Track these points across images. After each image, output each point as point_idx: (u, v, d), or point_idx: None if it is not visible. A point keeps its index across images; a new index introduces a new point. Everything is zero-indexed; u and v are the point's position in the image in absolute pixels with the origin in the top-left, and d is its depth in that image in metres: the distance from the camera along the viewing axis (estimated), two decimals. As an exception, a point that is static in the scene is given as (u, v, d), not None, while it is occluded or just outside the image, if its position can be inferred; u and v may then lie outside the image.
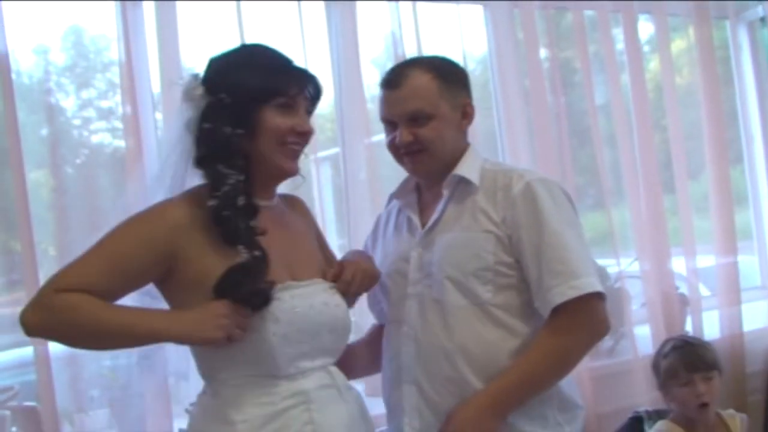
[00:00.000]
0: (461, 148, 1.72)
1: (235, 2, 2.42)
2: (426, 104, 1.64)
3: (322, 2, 2.67)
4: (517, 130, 2.82)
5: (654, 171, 3.02)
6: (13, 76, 2.22)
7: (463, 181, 1.68)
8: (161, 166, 1.51)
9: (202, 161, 1.42)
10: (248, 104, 1.41)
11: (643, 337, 2.93)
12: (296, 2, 2.49)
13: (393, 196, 1.86)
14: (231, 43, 2.25)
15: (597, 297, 1.55)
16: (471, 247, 1.62)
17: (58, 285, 1.35)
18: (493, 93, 2.90)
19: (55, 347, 2.17)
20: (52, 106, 2.35)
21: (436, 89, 1.65)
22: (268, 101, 1.44)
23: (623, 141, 2.99)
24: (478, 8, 2.95)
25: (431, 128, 1.64)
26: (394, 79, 1.67)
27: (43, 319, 1.34)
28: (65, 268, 1.38)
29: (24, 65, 2.36)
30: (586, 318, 1.56)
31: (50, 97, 2.35)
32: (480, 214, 1.62)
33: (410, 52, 2.62)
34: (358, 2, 2.63)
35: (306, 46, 2.48)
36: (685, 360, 2.39)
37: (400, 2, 2.65)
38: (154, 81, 2.40)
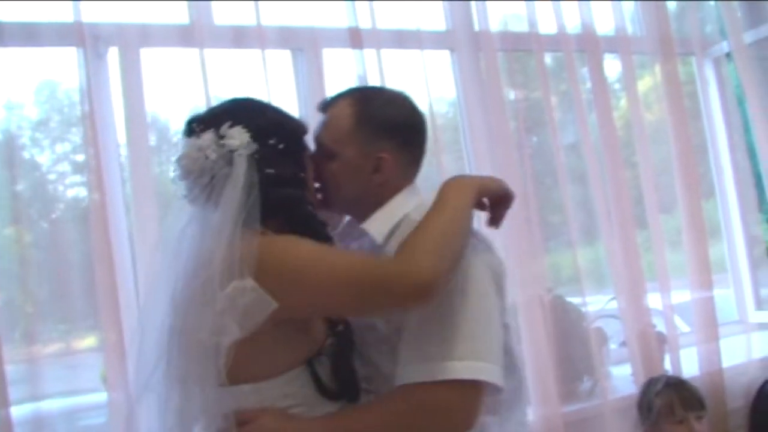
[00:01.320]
0: (380, 197, 1.50)
1: (198, 50, 2.40)
2: (330, 140, 1.48)
3: (287, 50, 2.66)
4: (485, 172, 2.75)
5: (626, 207, 2.99)
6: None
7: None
8: (205, 229, 1.37)
9: (285, 207, 1.39)
10: (299, 146, 1.43)
11: (621, 377, 2.89)
12: (260, 50, 2.46)
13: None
14: (196, 92, 2.39)
15: (461, 385, 1.29)
16: None
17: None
18: (462, 136, 2.88)
19: (18, 411, 2.08)
20: (25, 161, 2.33)
21: (349, 127, 1.47)
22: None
23: (594, 179, 2.97)
24: (445, 53, 2.96)
25: (329, 169, 1.48)
26: (324, 103, 1.55)
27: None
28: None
29: (-5, 121, 2.32)
30: (430, 407, 1.30)
31: (23, 152, 2.33)
32: None
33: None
34: (324, 49, 2.62)
35: (270, 94, 2.45)
36: (681, 397, 2.38)
37: (365, 49, 2.63)
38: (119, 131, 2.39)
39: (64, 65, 2.37)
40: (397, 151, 1.48)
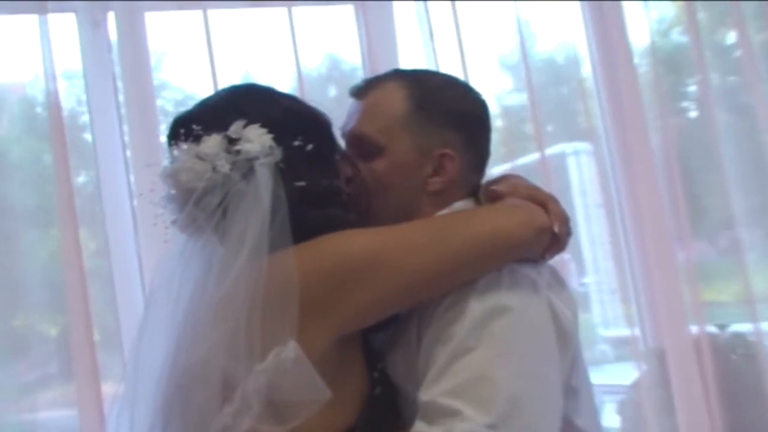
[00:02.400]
0: (430, 212, 1.28)
1: (201, 12, 2.09)
2: (376, 130, 1.27)
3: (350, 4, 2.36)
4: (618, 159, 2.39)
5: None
6: (38, 109, 2.02)
7: None
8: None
9: (322, 232, 1.16)
10: (330, 145, 1.27)
11: None
12: (286, 6, 2.15)
13: None
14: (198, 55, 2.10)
15: None
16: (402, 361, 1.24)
17: None
18: (597, 104, 2.44)
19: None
20: (86, 145, 2.08)
21: (402, 114, 1.27)
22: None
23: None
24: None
25: (371, 171, 1.27)
26: (360, 86, 1.34)
27: None
28: None
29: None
30: None
31: (84, 134, 2.09)
32: (415, 318, 1.20)
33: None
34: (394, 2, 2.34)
35: (298, 53, 2.15)
36: None
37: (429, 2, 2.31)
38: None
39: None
40: (464, 149, 1.29)
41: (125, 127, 2.04)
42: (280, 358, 1.05)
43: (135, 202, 2.04)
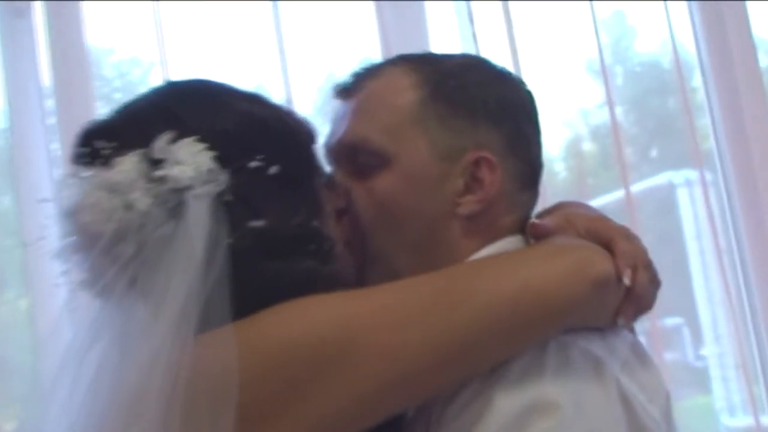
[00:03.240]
0: (463, 253, 0.98)
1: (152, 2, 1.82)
2: (377, 131, 0.98)
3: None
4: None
5: None
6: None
7: None
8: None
9: (289, 294, 0.91)
10: (306, 164, 1.04)
11: None
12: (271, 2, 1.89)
13: None
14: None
15: None
16: None
17: None
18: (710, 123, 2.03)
19: None
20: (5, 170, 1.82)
21: (412, 105, 0.98)
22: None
23: None
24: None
25: (381, 185, 0.97)
26: (349, 81, 1.06)
27: None
28: None
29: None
30: None
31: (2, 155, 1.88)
32: (422, 422, 0.95)
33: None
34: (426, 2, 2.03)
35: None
36: None
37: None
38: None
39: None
40: (505, 151, 0.98)
41: (55, 146, 1.75)
42: None
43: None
